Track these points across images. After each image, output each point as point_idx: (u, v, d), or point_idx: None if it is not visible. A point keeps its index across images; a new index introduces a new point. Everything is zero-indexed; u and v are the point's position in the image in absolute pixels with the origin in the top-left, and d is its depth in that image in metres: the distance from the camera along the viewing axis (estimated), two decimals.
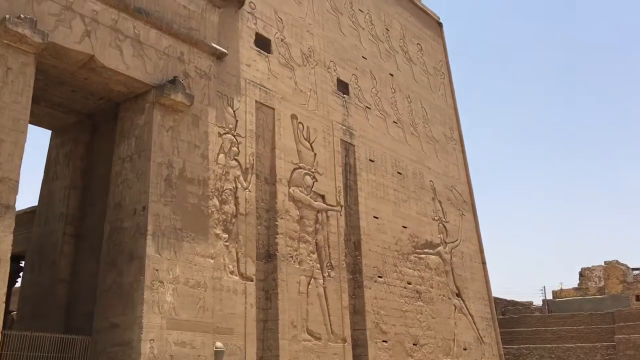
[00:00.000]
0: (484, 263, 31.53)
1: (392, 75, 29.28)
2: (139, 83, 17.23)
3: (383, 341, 22.98)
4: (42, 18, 15.04)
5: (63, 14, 15.54)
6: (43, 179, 20.42)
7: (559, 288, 45.08)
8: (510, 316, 37.24)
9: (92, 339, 16.17)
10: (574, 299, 42.63)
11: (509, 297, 45.43)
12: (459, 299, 28.51)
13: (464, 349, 27.43)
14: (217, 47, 19.54)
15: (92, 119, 19.95)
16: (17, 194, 13.73)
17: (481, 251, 31.66)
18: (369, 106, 26.82)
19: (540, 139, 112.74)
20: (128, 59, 16.85)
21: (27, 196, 74.90)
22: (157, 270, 15.87)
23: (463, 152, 33.35)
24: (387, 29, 30.08)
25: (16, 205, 14.11)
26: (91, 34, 16.06)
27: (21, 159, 14.00)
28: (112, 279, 16.40)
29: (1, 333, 14.15)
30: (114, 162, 17.75)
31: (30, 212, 21.24)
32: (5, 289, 13.18)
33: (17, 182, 13.81)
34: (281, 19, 23.28)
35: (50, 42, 15.12)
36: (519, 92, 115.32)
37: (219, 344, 15.56)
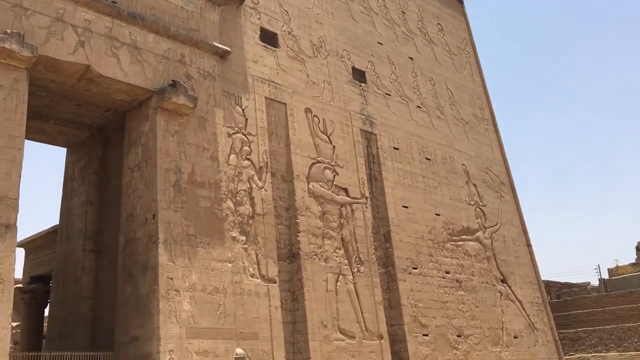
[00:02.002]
0: (529, 245, 29.94)
1: (411, 58, 28.17)
2: (139, 89, 16.84)
3: (423, 335, 21.91)
4: (32, 32, 14.80)
5: (54, 26, 15.27)
6: (62, 197, 20.37)
7: (615, 265, 42.64)
8: (565, 299, 35.37)
9: (114, 354, 15.82)
10: (632, 275, 40.20)
11: (563, 280, 43.37)
12: (505, 285, 27.07)
13: (515, 337, 26.00)
14: (220, 45, 19.00)
15: (103, 132, 19.74)
16: (17, 212, 13.45)
17: (525, 233, 30.08)
18: (388, 93, 25.82)
19: (584, 105, 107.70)
20: (126, 66, 16.47)
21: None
22: (171, 278, 15.38)
23: (496, 131, 31.85)
24: (402, 11, 29.00)
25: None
26: (85, 44, 15.75)
27: (19, 176, 13.73)
28: (129, 292, 16.03)
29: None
30: (124, 172, 17.42)
31: (54, 232, 21.20)
32: (9, 311, 12.87)
33: (17, 200, 13.54)
34: (287, 11, 22.59)
35: (43, 55, 14.87)
36: (555, 59, 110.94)
37: (239, 350, 14.94)
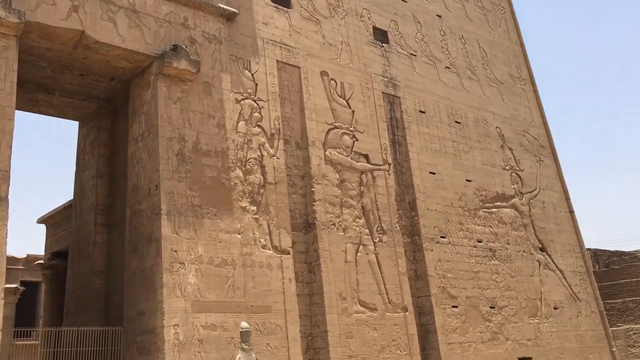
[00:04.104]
0: (571, 212, 28.14)
1: (439, 16, 26.51)
2: (139, 55, 16.12)
3: (453, 307, 20.78)
4: None
5: None
6: (75, 171, 20.09)
7: None
8: (612, 267, 33.41)
9: (123, 329, 15.43)
10: None
11: (613, 248, 41.09)
12: (544, 253, 25.52)
13: (555, 308, 24.53)
14: (226, 7, 18.05)
15: (112, 103, 19.23)
16: (8, 184, 13.00)
17: (567, 199, 28.27)
18: (414, 53, 24.35)
19: (631, 56, 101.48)
20: (123, 31, 15.74)
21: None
22: (175, 251, 14.77)
23: (535, 91, 29.88)
24: None
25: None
26: (79, 9, 15.07)
27: (10, 147, 13.25)
28: (135, 265, 15.56)
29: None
30: (129, 143, 16.86)
31: (70, 206, 20.99)
32: (2, 285, 12.50)
33: (8, 172, 13.08)
34: None
35: (34, 21, 14.28)
36: (601, 16, 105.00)
37: (244, 323, 14.22)
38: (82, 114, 19.77)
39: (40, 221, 23.42)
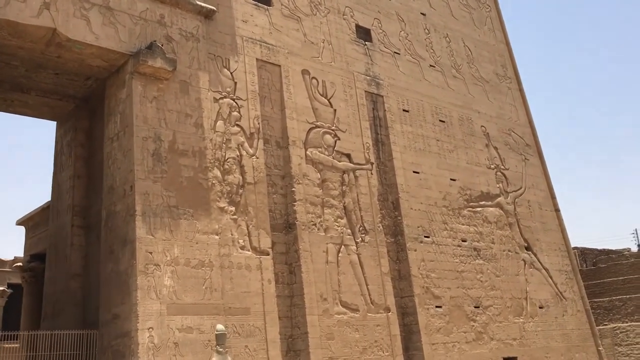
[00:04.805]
0: (557, 210, 28.06)
1: (424, 14, 26.34)
2: (114, 54, 15.83)
3: (437, 307, 20.60)
4: None
5: None
6: (53, 172, 19.76)
7: None
8: (598, 266, 33.33)
9: (98, 332, 15.14)
10: None
11: (600, 247, 41.06)
12: (529, 252, 25.40)
13: (540, 307, 24.40)
14: (203, 4, 17.78)
15: (89, 103, 18.91)
16: None
17: (552, 197, 28.18)
18: (397, 51, 24.16)
19: (617, 56, 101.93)
20: (97, 29, 15.45)
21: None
22: (150, 252, 14.50)
23: (520, 90, 29.77)
24: None
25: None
26: (50, 6, 14.77)
27: None
28: (110, 268, 15.27)
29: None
30: (105, 143, 16.57)
31: (48, 208, 20.65)
32: None
33: None
34: None
35: (3, 19, 13.99)
36: (585, 16, 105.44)
37: (219, 326, 13.98)
38: (59, 114, 19.45)
39: (19, 223, 23.07)
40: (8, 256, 38.43)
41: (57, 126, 20.08)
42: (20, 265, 22.80)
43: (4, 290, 33.15)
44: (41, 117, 19.61)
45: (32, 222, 22.11)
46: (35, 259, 21.72)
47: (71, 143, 18.91)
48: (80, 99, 18.69)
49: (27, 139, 74.43)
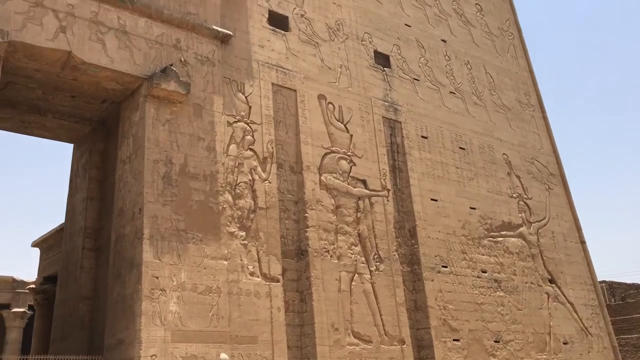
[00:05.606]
0: (582, 242, 27.13)
1: (444, 41, 26.11)
2: (128, 77, 15.86)
3: (454, 340, 19.87)
4: (8, 17, 14.08)
5: (32, 12, 14.49)
6: (68, 194, 19.76)
7: None
8: (627, 301, 32.10)
9: (103, 358, 14.86)
10: None
11: (630, 281, 39.67)
12: (553, 285, 24.52)
13: (564, 343, 23.42)
14: (220, 29, 17.81)
15: (106, 125, 18.97)
16: None
17: (578, 229, 27.29)
18: (417, 78, 23.89)
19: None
20: (112, 52, 15.52)
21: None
22: (156, 277, 14.25)
23: (544, 118, 29.19)
24: None
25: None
26: (67, 30, 14.90)
27: None
28: (117, 292, 15.05)
29: None
30: (117, 165, 16.52)
31: (62, 230, 20.65)
32: None
33: None
34: None
35: (19, 42, 14.12)
36: (611, 45, 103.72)
37: (223, 355, 13.60)
38: (76, 136, 19.55)
39: (34, 245, 23.13)
40: (31, 277, 38.69)
41: (74, 148, 20.18)
42: (33, 288, 22.78)
43: (24, 311, 33.19)
44: (58, 139, 19.74)
45: (47, 244, 22.14)
46: (49, 281, 21.67)
47: (86, 165, 18.94)
48: (97, 121, 18.77)
49: (56, 160, 75.76)
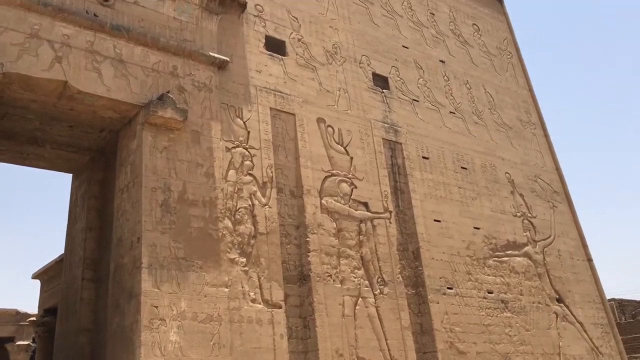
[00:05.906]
0: (589, 260, 26.74)
1: (442, 62, 26.12)
2: (125, 105, 15.82)
3: None
4: (3, 50, 14.08)
5: (28, 43, 14.50)
6: (67, 225, 19.62)
7: None
8: (637, 319, 31.55)
9: None
10: None
11: (639, 299, 39.07)
12: (561, 305, 24.09)
13: None
14: (217, 55, 17.83)
15: (104, 154, 18.90)
16: None
17: (584, 246, 26.92)
18: (416, 99, 23.84)
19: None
20: (108, 81, 15.50)
21: None
22: (156, 307, 13.99)
23: (546, 136, 29.04)
24: (431, 13, 27.11)
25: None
26: (62, 60, 14.89)
27: None
28: (116, 323, 14.79)
29: None
30: (115, 194, 16.40)
31: (62, 261, 20.45)
32: None
33: None
34: (296, 18, 21.25)
35: (14, 73, 14.11)
36: (608, 59, 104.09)
37: None
38: (75, 166, 19.48)
39: (34, 276, 22.92)
40: (34, 309, 38.44)
41: (73, 178, 20.10)
42: (34, 320, 22.52)
43: (28, 344, 32.87)
44: (57, 169, 19.66)
45: (47, 276, 21.93)
46: (49, 313, 21.40)
47: (85, 195, 18.83)
48: (95, 150, 18.71)
49: (56, 190, 75.86)
